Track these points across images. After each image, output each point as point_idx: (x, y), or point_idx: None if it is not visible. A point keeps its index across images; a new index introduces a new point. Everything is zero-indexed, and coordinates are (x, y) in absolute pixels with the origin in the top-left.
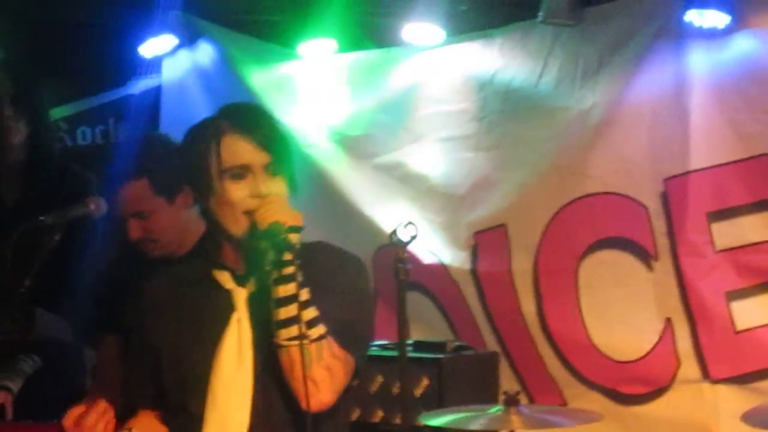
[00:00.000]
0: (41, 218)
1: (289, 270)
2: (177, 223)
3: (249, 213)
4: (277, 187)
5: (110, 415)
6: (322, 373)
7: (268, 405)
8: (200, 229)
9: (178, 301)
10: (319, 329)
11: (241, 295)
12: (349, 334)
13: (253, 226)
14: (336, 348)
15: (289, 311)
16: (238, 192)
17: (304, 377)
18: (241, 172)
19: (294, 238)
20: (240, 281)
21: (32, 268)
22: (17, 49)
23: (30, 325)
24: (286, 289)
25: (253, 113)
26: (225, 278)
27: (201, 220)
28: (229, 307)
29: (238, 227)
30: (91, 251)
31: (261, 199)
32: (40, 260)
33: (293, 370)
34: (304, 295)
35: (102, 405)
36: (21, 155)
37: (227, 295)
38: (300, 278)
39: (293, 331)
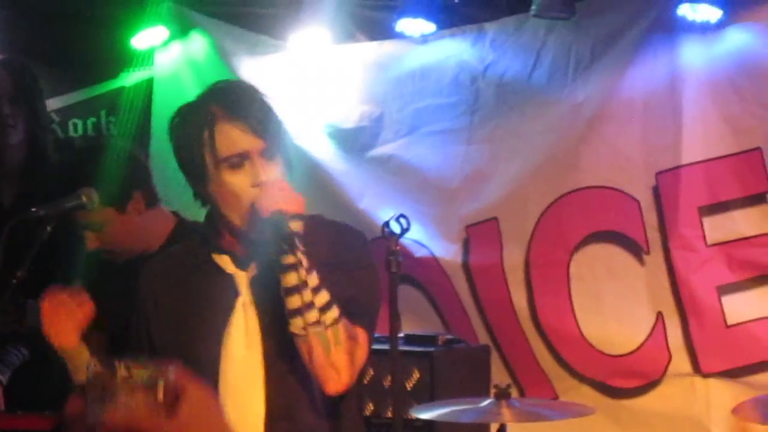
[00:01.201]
0: (33, 210)
1: (293, 259)
2: (132, 231)
3: (252, 203)
4: (275, 171)
5: (89, 306)
6: (342, 357)
7: (284, 389)
8: (163, 228)
9: (179, 286)
10: (333, 313)
11: (243, 279)
12: (361, 309)
13: (255, 215)
14: (351, 328)
15: (299, 300)
16: (238, 182)
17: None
18: (239, 160)
19: (296, 225)
20: (241, 265)
21: (24, 260)
22: (15, 46)
23: (21, 317)
24: (293, 278)
25: (243, 95)
26: (225, 262)
27: (162, 219)
28: (232, 292)
29: (240, 217)
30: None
31: (258, 187)
32: (32, 252)
33: (312, 357)
34: (313, 280)
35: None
36: (18, 155)
37: (230, 279)
38: (306, 264)
39: (307, 318)
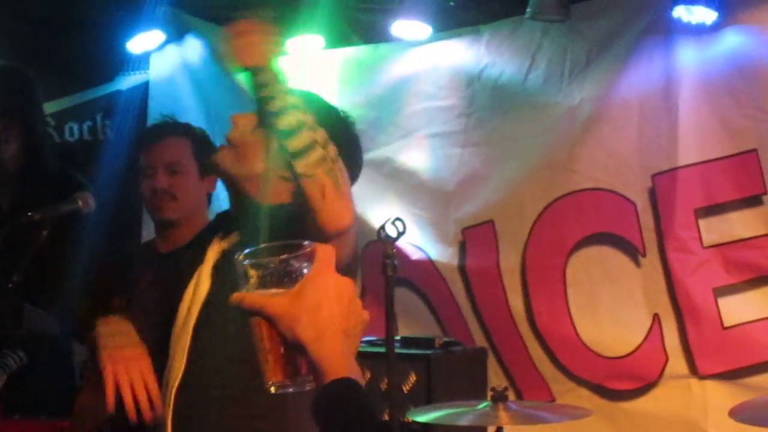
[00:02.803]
0: (29, 214)
1: (283, 101)
2: (198, 198)
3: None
4: None
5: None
6: (348, 189)
7: (201, 367)
8: (203, 221)
9: (178, 260)
10: (333, 147)
11: (215, 249)
12: None
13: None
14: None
15: (301, 140)
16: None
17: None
18: None
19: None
20: (224, 236)
21: (21, 263)
22: (10, 51)
23: (17, 321)
24: (291, 119)
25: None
26: (218, 237)
27: (206, 212)
28: (201, 261)
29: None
30: (82, 247)
31: None
32: (28, 256)
33: (324, 194)
34: (309, 117)
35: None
36: (13, 166)
37: (208, 248)
38: (296, 102)
39: (312, 157)
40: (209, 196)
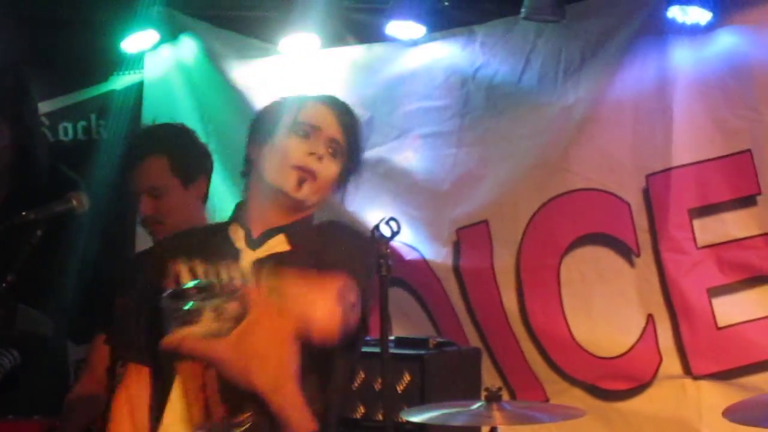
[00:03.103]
0: (23, 213)
1: None
2: (187, 209)
3: (298, 169)
4: (331, 169)
5: None
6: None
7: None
8: (201, 224)
9: (187, 252)
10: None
11: (247, 257)
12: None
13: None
14: None
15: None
16: (296, 146)
17: None
18: (309, 131)
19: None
20: (252, 244)
21: (15, 263)
22: (5, 51)
23: (11, 321)
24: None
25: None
26: (238, 236)
27: (203, 217)
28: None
29: (280, 178)
30: (76, 246)
31: (313, 158)
32: (22, 256)
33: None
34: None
35: None
36: (4, 158)
37: (234, 254)
38: None
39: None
40: (205, 197)
